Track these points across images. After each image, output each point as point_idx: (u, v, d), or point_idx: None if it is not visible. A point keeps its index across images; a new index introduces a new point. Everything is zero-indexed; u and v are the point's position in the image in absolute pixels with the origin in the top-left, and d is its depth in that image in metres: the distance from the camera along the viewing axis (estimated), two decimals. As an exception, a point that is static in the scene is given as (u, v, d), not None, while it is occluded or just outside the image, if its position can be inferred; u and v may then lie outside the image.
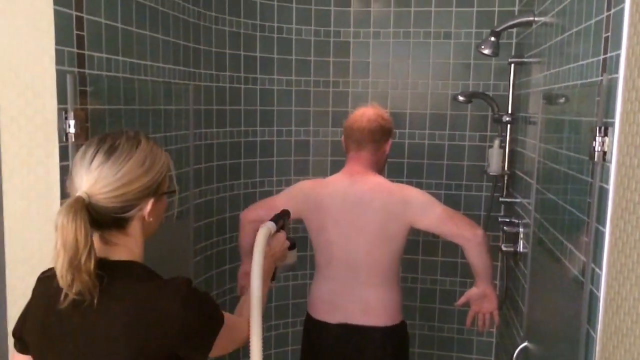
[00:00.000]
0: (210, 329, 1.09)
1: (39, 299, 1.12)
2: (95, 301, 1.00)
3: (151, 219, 1.10)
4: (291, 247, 1.50)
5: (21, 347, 1.15)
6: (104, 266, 1.02)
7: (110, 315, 1.01)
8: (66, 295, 0.99)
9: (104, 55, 1.60)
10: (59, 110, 1.41)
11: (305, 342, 2.06)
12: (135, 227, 1.09)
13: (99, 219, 1.03)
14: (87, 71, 1.52)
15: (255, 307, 1.22)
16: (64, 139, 1.43)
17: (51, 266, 1.03)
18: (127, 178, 1.04)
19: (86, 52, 1.52)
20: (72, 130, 1.43)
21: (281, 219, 1.43)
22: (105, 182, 1.02)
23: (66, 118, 1.42)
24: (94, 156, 1.04)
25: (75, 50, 1.47)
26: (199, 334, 1.06)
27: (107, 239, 1.07)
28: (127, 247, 1.09)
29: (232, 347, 1.20)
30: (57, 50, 1.40)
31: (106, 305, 1.01)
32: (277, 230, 1.39)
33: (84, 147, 1.08)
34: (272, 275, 1.41)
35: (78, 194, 1.02)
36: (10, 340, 1.48)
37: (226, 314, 1.15)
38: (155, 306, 1.01)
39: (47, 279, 1.09)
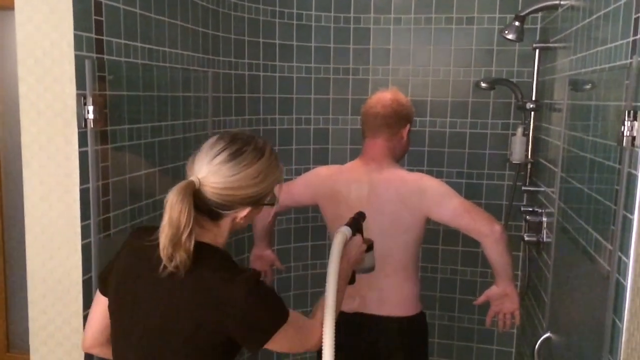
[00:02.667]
0: (269, 322, 1.14)
1: (129, 250, 1.22)
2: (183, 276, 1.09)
3: (242, 222, 1.20)
4: (368, 249, 1.48)
5: (102, 289, 1.26)
6: (195, 245, 1.10)
7: (187, 290, 1.10)
8: (165, 267, 1.09)
9: (123, 41, 1.60)
10: (78, 96, 1.41)
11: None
12: (225, 223, 1.18)
13: (200, 204, 1.12)
14: (105, 57, 1.52)
15: (329, 314, 1.24)
16: (83, 125, 1.43)
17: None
18: (238, 184, 1.13)
19: (105, 38, 1.51)
20: (90, 116, 1.43)
21: (357, 222, 1.43)
22: (219, 179, 1.12)
23: (85, 104, 1.42)
24: (220, 152, 1.13)
25: (93, 35, 1.47)
26: (257, 325, 1.12)
27: (200, 222, 1.15)
28: (214, 234, 1.18)
29: (299, 348, 1.25)
30: (75, 36, 1.39)
31: (187, 281, 1.10)
32: (353, 234, 1.39)
33: (216, 137, 1.17)
34: (350, 278, 1.41)
35: (192, 178, 1.12)
36: (33, 322, 1.50)
37: (295, 314, 1.21)
38: (223, 292, 1.09)
39: (143, 234, 1.19)
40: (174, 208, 1.07)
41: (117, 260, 1.23)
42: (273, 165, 1.18)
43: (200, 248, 1.12)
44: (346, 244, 1.35)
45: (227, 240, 1.22)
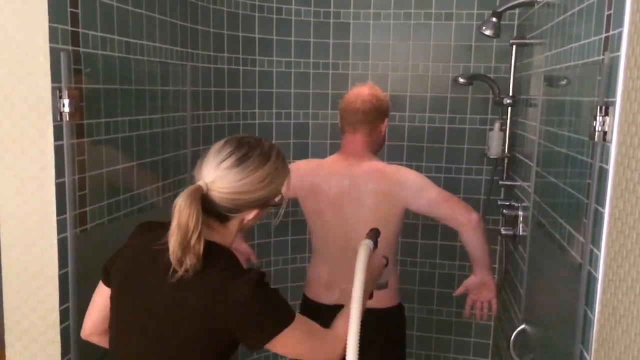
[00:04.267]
0: (271, 322, 1.14)
1: (137, 245, 1.22)
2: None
3: (250, 223, 1.23)
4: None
5: (105, 279, 1.26)
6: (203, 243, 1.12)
7: (193, 289, 1.11)
8: (174, 270, 1.10)
9: (99, 34, 1.58)
10: (53, 89, 1.39)
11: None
12: (233, 224, 1.21)
13: (208, 208, 1.14)
14: (81, 49, 1.50)
15: (353, 328, 1.22)
16: (59, 118, 1.41)
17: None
18: (245, 188, 1.15)
19: (80, 30, 1.49)
20: (66, 109, 1.41)
21: (376, 236, 1.42)
22: (227, 184, 1.14)
23: (60, 97, 1.41)
24: (227, 157, 1.15)
25: (69, 28, 1.45)
26: (259, 324, 1.13)
27: (208, 224, 1.17)
28: (222, 235, 1.21)
29: (311, 355, 1.23)
30: (50, 28, 1.38)
31: (194, 280, 1.11)
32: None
33: (223, 141, 1.19)
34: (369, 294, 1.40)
35: (199, 183, 1.14)
36: (8, 317, 1.48)
37: (306, 319, 1.22)
38: (227, 291, 1.11)
39: (150, 229, 1.22)
40: (182, 212, 1.09)
41: (123, 253, 1.24)
42: (280, 168, 1.20)
43: (209, 247, 1.13)
44: (370, 258, 1.33)
45: (233, 241, 1.25)
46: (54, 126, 1.41)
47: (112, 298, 1.23)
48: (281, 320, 1.15)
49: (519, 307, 2.02)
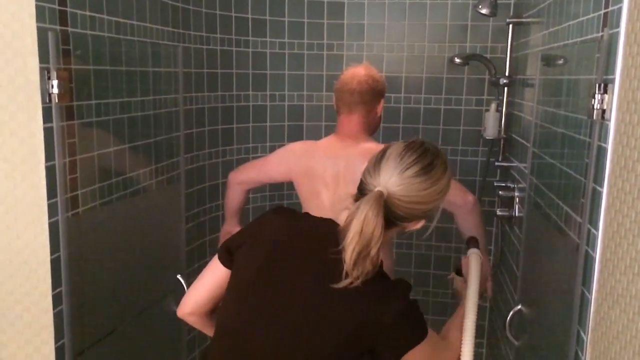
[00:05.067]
0: (411, 339, 1.13)
1: (276, 235, 1.16)
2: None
3: (402, 232, 1.19)
4: None
5: (225, 261, 1.20)
6: None
7: (346, 295, 1.07)
8: (347, 275, 1.06)
9: (88, 13, 1.54)
10: (41, 70, 1.36)
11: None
12: (393, 232, 1.17)
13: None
14: (69, 29, 1.46)
15: (469, 336, 1.25)
16: (47, 100, 1.38)
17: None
18: (426, 199, 1.11)
19: (68, 9, 1.46)
20: (55, 90, 1.38)
21: (477, 244, 1.44)
22: (409, 192, 1.09)
23: (49, 78, 1.37)
24: (412, 165, 1.10)
25: (56, 7, 1.41)
26: (401, 338, 1.12)
27: None
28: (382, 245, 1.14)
29: None
30: (37, 7, 1.34)
31: (355, 289, 1.06)
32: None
33: (405, 146, 1.13)
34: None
35: (379, 189, 1.08)
36: (0, 302, 1.47)
37: (434, 333, 1.20)
38: (383, 305, 1.08)
39: (291, 219, 1.18)
40: (369, 222, 1.04)
41: (257, 235, 1.18)
42: (449, 178, 1.17)
43: None
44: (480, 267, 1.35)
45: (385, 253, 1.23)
46: (43, 108, 1.38)
47: (237, 282, 1.17)
48: (419, 337, 1.13)
49: (514, 288, 2.02)
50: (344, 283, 1.06)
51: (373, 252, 1.05)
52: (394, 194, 1.08)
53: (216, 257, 1.23)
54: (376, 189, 1.08)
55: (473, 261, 1.31)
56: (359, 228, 1.04)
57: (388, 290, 1.12)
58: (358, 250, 1.04)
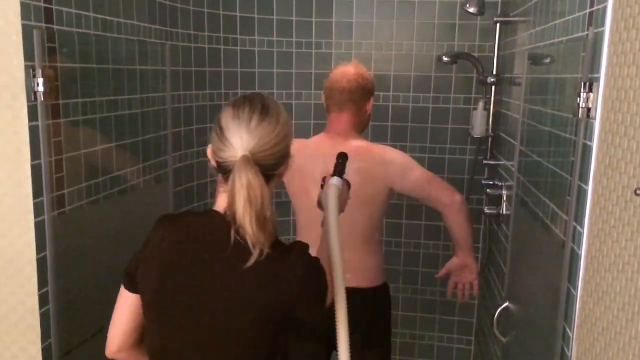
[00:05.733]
0: (324, 294, 1.20)
1: (164, 244, 1.14)
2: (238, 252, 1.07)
3: (280, 178, 1.19)
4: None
5: (131, 287, 1.18)
6: None
7: (250, 272, 1.08)
8: (253, 247, 1.06)
9: (73, 11, 1.53)
10: (26, 67, 1.35)
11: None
12: (272, 186, 1.15)
13: None
14: (55, 27, 1.45)
15: (338, 271, 1.28)
16: (33, 98, 1.37)
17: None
18: (282, 134, 1.11)
19: (54, 7, 1.45)
20: (40, 88, 1.37)
21: (342, 166, 1.41)
22: (267, 139, 1.08)
23: (34, 76, 1.36)
24: (252, 115, 1.09)
25: (42, 4, 1.40)
26: (316, 297, 1.18)
27: None
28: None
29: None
30: (22, 4, 1.33)
31: (257, 266, 1.08)
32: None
33: (230, 108, 1.11)
34: None
35: (242, 153, 1.07)
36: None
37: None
38: (282, 268, 1.10)
39: (176, 224, 1.17)
40: (252, 186, 1.04)
41: (150, 254, 1.15)
42: (286, 112, 1.17)
43: None
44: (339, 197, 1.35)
45: None
46: (28, 106, 1.37)
47: (149, 302, 1.15)
48: (325, 281, 1.20)
49: (502, 285, 2.04)
50: (254, 257, 1.06)
51: (268, 212, 1.06)
52: (255, 149, 1.08)
53: (122, 286, 1.20)
54: (239, 156, 1.07)
55: (330, 194, 1.31)
56: (246, 196, 1.04)
57: (288, 250, 1.13)
58: (255, 216, 1.04)
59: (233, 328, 1.12)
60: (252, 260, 1.06)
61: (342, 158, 1.44)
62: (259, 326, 1.12)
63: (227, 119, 1.10)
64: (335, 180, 1.35)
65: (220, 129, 1.10)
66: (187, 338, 1.13)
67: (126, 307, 1.19)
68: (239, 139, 1.07)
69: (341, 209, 1.40)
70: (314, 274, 1.16)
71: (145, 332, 1.20)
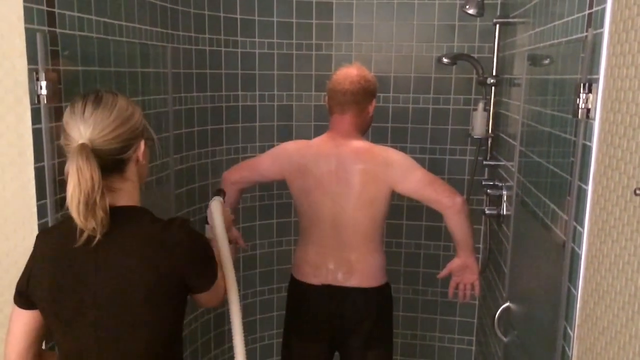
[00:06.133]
0: (212, 260, 1.25)
1: (44, 253, 1.19)
2: (109, 239, 1.11)
3: (144, 162, 1.22)
4: None
5: (24, 304, 1.21)
6: (113, 211, 1.13)
7: (125, 252, 1.14)
8: (82, 231, 1.10)
9: (76, 14, 1.54)
10: (30, 71, 1.35)
11: (289, 304, 2.07)
12: (132, 171, 1.20)
13: (102, 164, 1.11)
14: (58, 30, 1.46)
15: (230, 278, 1.36)
16: (36, 101, 1.38)
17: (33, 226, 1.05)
18: (120, 119, 1.14)
19: (57, 10, 1.45)
20: (44, 91, 1.38)
21: (223, 192, 1.57)
22: (103, 125, 1.12)
23: (37, 79, 1.37)
24: (85, 107, 1.13)
25: (45, 8, 1.41)
26: (203, 262, 1.22)
27: (110, 186, 1.16)
28: (128, 192, 1.20)
29: (216, 300, 1.34)
30: (25, 8, 1.33)
31: (121, 243, 1.14)
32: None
33: (69, 105, 1.17)
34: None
35: (80, 141, 1.10)
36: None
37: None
38: (165, 238, 1.15)
39: (48, 234, 1.23)
40: (82, 170, 1.06)
41: (35, 268, 1.19)
42: (129, 100, 1.21)
43: (123, 211, 1.16)
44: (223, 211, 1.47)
45: (140, 195, 1.24)
46: (32, 109, 1.38)
47: (47, 313, 1.18)
48: (215, 262, 1.26)
49: (503, 285, 2.04)
50: (81, 242, 1.10)
51: (98, 197, 1.08)
52: (95, 137, 1.11)
53: (15, 307, 1.23)
54: (76, 144, 1.10)
55: (215, 208, 1.44)
56: (76, 180, 1.07)
57: (169, 222, 1.18)
58: (83, 200, 1.07)
59: (135, 309, 1.14)
60: (79, 242, 1.10)
61: (219, 192, 1.57)
62: (157, 300, 1.15)
63: (67, 117, 1.15)
64: (218, 198, 1.49)
65: (63, 127, 1.15)
66: (96, 332, 1.16)
67: (21, 325, 1.22)
68: (76, 131, 1.11)
69: (227, 226, 1.49)
70: (198, 240, 1.21)
71: (55, 341, 1.23)
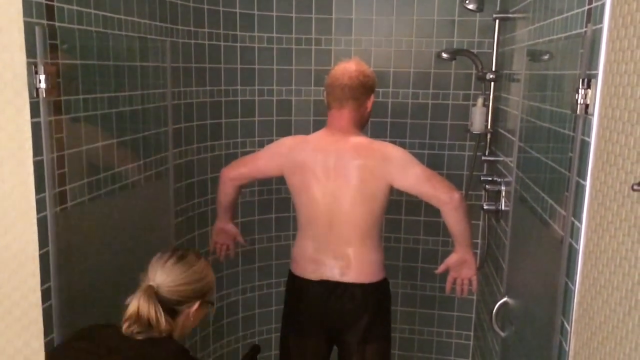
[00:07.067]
0: None
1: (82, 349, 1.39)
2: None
3: (192, 319, 1.47)
4: None
5: None
6: (145, 342, 1.38)
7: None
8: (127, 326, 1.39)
9: (75, 8, 1.54)
10: (28, 64, 1.35)
11: (287, 300, 2.07)
12: (181, 320, 1.45)
13: (160, 305, 1.39)
14: (57, 24, 1.46)
15: None
16: (35, 95, 1.38)
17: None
18: (189, 279, 1.43)
19: (55, 4, 1.45)
20: (42, 85, 1.38)
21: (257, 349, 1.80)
22: (173, 277, 1.42)
23: (36, 73, 1.37)
24: (169, 258, 1.45)
25: (43, 1, 1.40)
26: None
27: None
28: (172, 329, 1.44)
29: None
30: (24, 1, 1.31)
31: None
32: None
33: (160, 253, 1.49)
34: None
35: (150, 283, 1.40)
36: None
37: None
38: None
39: (90, 337, 1.41)
40: (142, 306, 1.35)
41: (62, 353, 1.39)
42: (209, 267, 1.50)
43: (153, 343, 1.37)
44: None
45: (183, 337, 1.49)
46: (30, 103, 1.36)
47: None
48: None
49: (501, 280, 2.05)
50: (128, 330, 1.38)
51: (155, 322, 1.36)
52: (164, 284, 1.40)
53: None
54: (147, 284, 1.40)
55: None
56: (136, 314, 1.37)
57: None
58: (125, 327, 1.37)
59: None
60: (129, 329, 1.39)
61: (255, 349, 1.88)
62: None
63: (154, 259, 1.46)
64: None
65: (150, 263, 1.45)
66: None
67: None
68: (153, 273, 1.42)
69: None
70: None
71: None
